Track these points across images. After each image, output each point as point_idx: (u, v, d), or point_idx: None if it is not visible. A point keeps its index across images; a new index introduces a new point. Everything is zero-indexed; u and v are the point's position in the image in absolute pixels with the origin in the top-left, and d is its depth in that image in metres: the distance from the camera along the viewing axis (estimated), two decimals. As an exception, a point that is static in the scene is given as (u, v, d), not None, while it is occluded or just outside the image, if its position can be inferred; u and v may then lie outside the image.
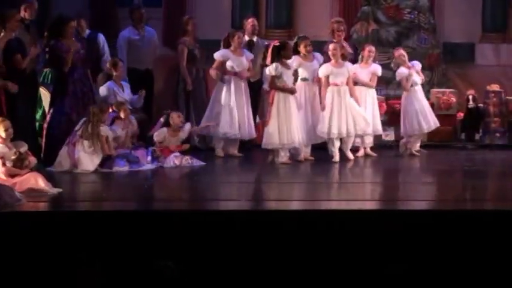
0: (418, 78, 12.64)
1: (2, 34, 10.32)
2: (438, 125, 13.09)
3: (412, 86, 12.58)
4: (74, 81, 10.81)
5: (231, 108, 11.81)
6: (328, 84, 11.41)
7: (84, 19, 12.91)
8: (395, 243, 6.69)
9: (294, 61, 11.52)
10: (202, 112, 12.33)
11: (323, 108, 11.46)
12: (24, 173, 8.44)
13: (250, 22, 13.11)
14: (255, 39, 13.05)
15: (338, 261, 6.54)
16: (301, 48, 11.75)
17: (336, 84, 11.45)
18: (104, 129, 10.10)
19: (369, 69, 12.66)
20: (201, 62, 13.07)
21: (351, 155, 12.11)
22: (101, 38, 13.02)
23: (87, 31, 12.91)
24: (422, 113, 12.62)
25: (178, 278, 5.90)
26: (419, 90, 12.74)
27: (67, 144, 9.99)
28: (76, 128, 10.05)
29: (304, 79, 11.62)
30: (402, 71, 12.61)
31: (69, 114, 10.63)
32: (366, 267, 6.50)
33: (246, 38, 13.00)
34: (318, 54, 12.01)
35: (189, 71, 12.91)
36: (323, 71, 11.51)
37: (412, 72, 12.61)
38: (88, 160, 9.92)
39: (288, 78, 11.24)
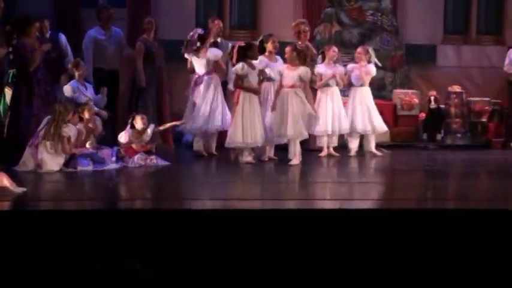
0: (333, 81, 12.59)
1: None
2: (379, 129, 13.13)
3: (328, 85, 12.54)
4: (38, 81, 10.76)
5: (208, 105, 11.79)
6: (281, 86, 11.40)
7: (47, 20, 12.84)
8: (352, 241, 6.70)
9: (260, 61, 11.49)
10: (151, 109, 12.38)
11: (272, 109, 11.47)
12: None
13: (216, 24, 13.08)
14: (219, 40, 13.03)
15: (299, 260, 6.55)
16: (269, 45, 11.83)
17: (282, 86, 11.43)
18: (67, 130, 10.03)
19: (335, 70, 12.65)
20: (159, 60, 13.00)
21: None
22: (63, 38, 12.91)
23: (49, 32, 12.82)
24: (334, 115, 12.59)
25: (147, 278, 5.90)
26: (336, 92, 12.67)
27: (30, 145, 9.93)
28: (39, 129, 9.99)
29: (269, 79, 11.57)
30: (323, 69, 12.62)
31: (37, 114, 10.58)
32: (328, 264, 6.52)
33: (211, 38, 13.00)
34: (278, 57, 12.01)
35: (145, 68, 12.85)
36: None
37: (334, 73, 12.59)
38: (51, 161, 9.86)
39: (253, 79, 11.23)
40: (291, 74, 11.49)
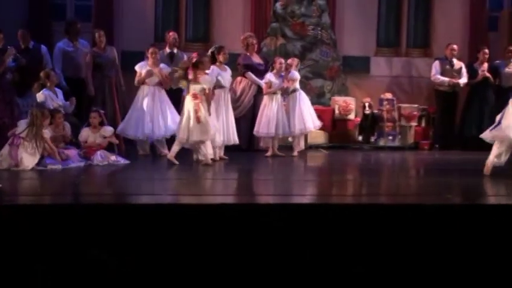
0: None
1: None
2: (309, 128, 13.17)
3: (275, 93, 12.60)
4: (1, 87, 10.76)
5: (146, 113, 11.84)
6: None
7: (25, 31, 12.89)
8: (291, 235, 6.63)
9: (213, 70, 11.50)
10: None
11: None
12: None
13: (171, 35, 13.17)
14: (175, 51, 13.06)
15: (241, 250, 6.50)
16: (220, 56, 11.81)
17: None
18: (46, 132, 10.08)
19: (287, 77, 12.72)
20: (108, 70, 12.91)
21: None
22: (44, 49, 12.95)
23: (32, 42, 12.83)
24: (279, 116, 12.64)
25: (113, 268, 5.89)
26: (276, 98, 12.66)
27: (10, 145, 9.91)
28: (18, 131, 9.98)
29: (221, 86, 11.63)
30: (272, 78, 12.65)
31: (2, 118, 10.57)
32: (270, 255, 6.46)
33: (168, 50, 13.00)
34: (227, 67, 12.08)
35: (94, 77, 12.80)
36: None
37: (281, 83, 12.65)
38: (29, 160, 9.87)
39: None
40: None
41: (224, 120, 11.74)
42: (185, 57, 12.35)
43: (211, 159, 11.35)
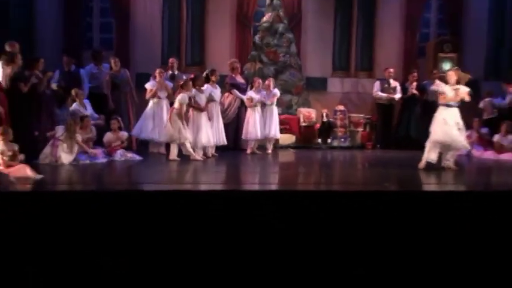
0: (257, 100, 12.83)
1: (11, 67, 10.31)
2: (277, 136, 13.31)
3: (256, 105, 12.72)
4: (44, 101, 10.79)
5: (155, 120, 11.88)
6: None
7: (69, 57, 12.86)
8: (263, 218, 6.55)
9: (207, 88, 11.54)
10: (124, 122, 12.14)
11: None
12: (16, 164, 8.38)
13: (171, 61, 13.12)
14: (176, 72, 13.04)
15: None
16: (213, 77, 11.86)
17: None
18: (78, 135, 10.13)
19: (269, 93, 12.92)
20: (124, 87, 12.82)
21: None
22: (82, 72, 12.88)
23: (73, 66, 12.78)
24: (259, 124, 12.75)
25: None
26: (257, 110, 12.77)
27: (51, 145, 9.92)
28: (57, 135, 10.00)
29: (213, 100, 11.64)
30: (253, 94, 12.78)
31: (44, 126, 10.66)
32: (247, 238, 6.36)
33: (170, 72, 12.98)
34: (217, 85, 12.10)
35: (114, 94, 12.69)
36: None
37: (260, 97, 12.80)
38: (66, 157, 9.89)
39: (200, 100, 11.26)
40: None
41: (216, 126, 11.78)
42: (184, 78, 12.35)
43: (206, 155, 11.41)
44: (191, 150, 10.89)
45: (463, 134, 10.00)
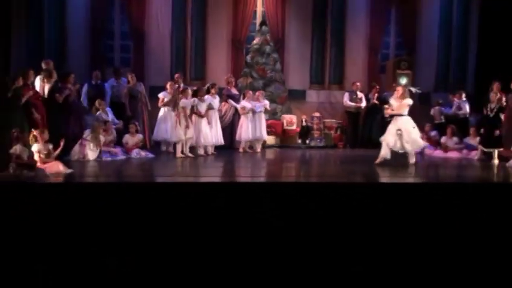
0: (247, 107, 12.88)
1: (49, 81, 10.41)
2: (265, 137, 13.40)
3: (248, 112, 12.77)
4: (75, 109, 10.83)
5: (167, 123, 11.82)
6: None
7: (98, 72, 13.04)
8: (250, 207, 6.55)
9: (207, 99, 11.63)
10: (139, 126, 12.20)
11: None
12: (51, 161, 8.38)
13: (176, 76, 13.05)
14: (181, 85, 13.03)
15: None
16: (213, 90, 11.97)
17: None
18: (101, 137, 10.19)
19: (259, 104, 12.96)
20: (139, 98, 12.77)
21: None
22: (106, 85, 12.92)
23: (99, 81, 12.86)
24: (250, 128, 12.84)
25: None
26: (248, 116, 12.85)
27: (79, 144, 9.99)
28: (84, 136, 10.07)
29: (212, 108, 11.69)
30: (246, 104, 12.86)
31: (73, 128, 10.68)
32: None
33: (176, 85, 12.96)
34: (217, 96, 12.25)
35: (131, 103, 12.64)
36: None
37: (251, 106, 12.85)
38: (91, 154, 9.97)
39: (201, 108, 11.31)
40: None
41: (214, 129, 11.84)
42: (189, 90, 12.39)
43: (207, 154, 11.50)
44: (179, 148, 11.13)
45: (414, 137, 10.07)
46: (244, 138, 12.77)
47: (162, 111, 11.86)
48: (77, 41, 15.19)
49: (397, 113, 10.01)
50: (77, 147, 10.09)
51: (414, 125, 10.14)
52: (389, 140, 10.03)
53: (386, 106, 10.53)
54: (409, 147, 10.02)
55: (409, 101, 10.07)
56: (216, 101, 12.02)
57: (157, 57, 15.64)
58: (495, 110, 11.25)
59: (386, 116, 10.64)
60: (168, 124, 11.64)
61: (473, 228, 6.50)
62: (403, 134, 9.91)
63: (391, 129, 10.06)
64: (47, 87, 10.42)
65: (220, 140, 12.05)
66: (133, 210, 6.25)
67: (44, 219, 6.07)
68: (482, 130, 11.69)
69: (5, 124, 8.57)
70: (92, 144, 10.17)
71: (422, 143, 10.57)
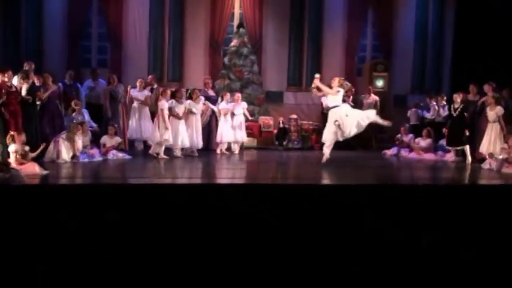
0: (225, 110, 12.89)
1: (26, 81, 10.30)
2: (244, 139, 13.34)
3: (226, 114, 12.77)
4: (49, 109, 10.79)
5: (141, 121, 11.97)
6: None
7: (72, 72, 12.89)
8: (228, 207, 6.53)
9: (189, 103, 11.62)
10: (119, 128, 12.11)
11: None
12: (27, 162, 8.31)
13: (149, 78, 13.07)
14: (155, 86, 12.99)
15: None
16: (194, 95, 11.84)
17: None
18: (77, 138, 10.09)
19: (230, 106, 12.88)
20: (119, 98, 12.60)
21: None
22: (79, 85, 12.91)
23: (72, 80, 12.72)
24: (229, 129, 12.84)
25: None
26: (227, 118, 12.84)
27: (53, 142, 9.94)
28: (61, 136, 10.02)
29: (192, 112, 11.68)
30: (224, 105, 12.85)
31: (46, 129, 10.65)
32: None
33: (149, 86, 12.90)
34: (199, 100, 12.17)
35: (111, 104, 12.53)
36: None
37: (232, 108, 12.86)
38: (65, 153, 9.87)
39: (179, 110, 11.26)
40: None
41: (194, 132, 11.79)
42: (168, 91, 12.38)
43: (188, 154, 11.61)
44: (158, 150, 11.08)
45: (356, 118, 10.12)
46: (225, 140, 12.76)
47: (137, 110, 11.87)
48: (54, 42, 15.11)
49: (334, 105, 10.03)
50: (51, 147, 10.00)
51: (350, 110, 10.34)
52: (327, 139, 10.07)
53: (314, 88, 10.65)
54: (355, 130, 10.06)
55: (341, 90, 10.20)
56: (197, 106, 11.96)
57: (134, 59, 15.60)
58: (459, 110, 11.49)
59: (325, 112, 10.78)
60: (142, 122, 11.70)
61: (444, 227, 6.56)
62: (343, 121, 9.94)
63: (329, 125, 10.07)
64: (24, 88, 10.32)
65: (200, 143, 12.00)
66: (108, 212, 6.19)
67: (18, 221, 6.00)
68: (444, 130, 12.04)
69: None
70: (67, 143, 10.07)
71: (372, 115, 10.51)
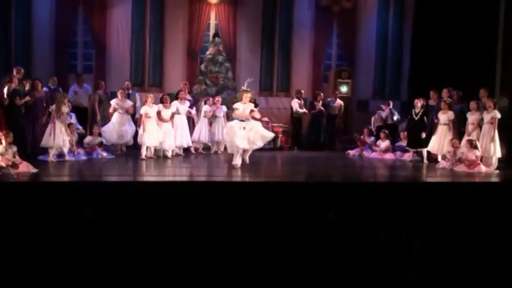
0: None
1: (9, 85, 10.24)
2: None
3: (209, 116, 12.91)
4: (35, 111, 10.78)
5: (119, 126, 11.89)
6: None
7: (55, 78, 12.72)
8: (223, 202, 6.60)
9: (174, 104, 11.76)
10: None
11: None
12: (18, 161, 8.31)
13: (126, 84, 13.07)
14: (130, 92, 12.99)
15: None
16: (179, 96, 12.08)
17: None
18: (65, 108, 10.31)
19: (219, 108, 13.10)
20: (105, 103, 12.61)
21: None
22: (60, 90, 12.70)
23: (55, 86, 12.55)
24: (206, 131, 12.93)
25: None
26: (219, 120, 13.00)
27: (50, 127, 10.05)
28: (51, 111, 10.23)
29: (178, 113, 11.81)
30: (207, 108, 12.95)
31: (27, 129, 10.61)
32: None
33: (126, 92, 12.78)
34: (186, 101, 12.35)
35: (100, 108, 12.62)
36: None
37: (213, 109, 12.98)
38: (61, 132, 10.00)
39: (165, 114, 11.28)
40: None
41: (180, 132, 11.89)
42: (137, 96, 12.81)
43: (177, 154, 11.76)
44: (143, 151, 10.87)
45: (261, 133, 9.90)
46: (201, 140, 12.88)
47: (116, 116, 11.83)
48: (42, 50, 15.03)
49: (244, 116, 9.77)
50: (47, 132, 9.98)
51: (259, 124, 10.09)
52: (239, 143, 9.75)
53: (234, 106, 10.24)
54: (260, 143, 9.88)
55: (252, 106, 9.96)
56: (184, 107, 12.04)
57: (117, 65, 15.56)
58: (419, 114, 11.71)
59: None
60: (123, 128, 11.69)
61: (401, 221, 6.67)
62: (250, 132, 9.72)
63: (238, 133, 9.77)
64: (5, 91, 10.30)
65: (187, 143, 12.08)
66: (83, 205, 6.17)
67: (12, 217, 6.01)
68: (405, 133, 12.28)
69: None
70: (60, 125, 10.08)
71: (271, 134, 10.43)
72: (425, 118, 11.67)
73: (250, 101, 10.01)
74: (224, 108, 13.24)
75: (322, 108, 14.65)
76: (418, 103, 11.83)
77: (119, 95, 12.00)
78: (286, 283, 4.36)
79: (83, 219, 5.62)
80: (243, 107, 9.72)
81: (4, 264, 4.47)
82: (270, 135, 10.17)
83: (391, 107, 14.04)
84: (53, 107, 10.22)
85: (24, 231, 5.70)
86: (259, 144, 9.77)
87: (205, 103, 13.16)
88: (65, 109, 10.30)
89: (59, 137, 9.94)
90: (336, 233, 6.20)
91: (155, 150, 11.20)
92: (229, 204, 6.51)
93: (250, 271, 5.03)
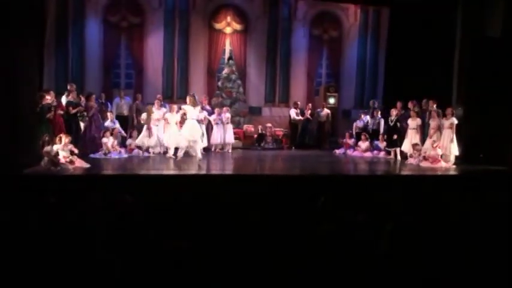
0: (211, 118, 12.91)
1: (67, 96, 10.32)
2: (232, 141, 13.16)
3: (217, 123, 12.72)
4: (94, 120, 10.80)
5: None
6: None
7: (102, 93, 12.89)
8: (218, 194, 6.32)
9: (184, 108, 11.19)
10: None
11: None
12: (73, 158, 8.32)
13: (159, 97, 12.73)
14: (162, 103, 12.66)
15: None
16: (188, 100, 10.75)
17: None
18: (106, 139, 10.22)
19: (222, 115, 12.86)
20: (142, 111, 12.25)
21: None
22: (114, 102, 12.83)
23: (103, 100, 12.65)
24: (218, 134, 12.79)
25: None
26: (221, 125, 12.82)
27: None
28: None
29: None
30: (215, 116, 12.79)
31: (94, 134, 10.69)
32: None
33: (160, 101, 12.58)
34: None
35: (137, 116, 12.38)
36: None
37: (220, 117, 12.79)
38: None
39: (172, 118, 11.12)
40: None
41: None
42: (167, 106, 12.34)
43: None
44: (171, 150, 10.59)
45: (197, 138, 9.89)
46: (214, 143, 12.78)
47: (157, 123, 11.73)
48: (93, 69, 15.03)
49: (191, 117, 9.74)
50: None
51: (198, 128, 10.02)
52: (178, 142, 9.87)
53: (182, 107, 10.13)
54: (196, 146, 9.87)
55: (198, 108, 9.98)
56: (200, 115, 11.07)
57: (152, 82, 15.53)
58: (394, 120, 11.68)
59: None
60: (159, 133, 11.51)
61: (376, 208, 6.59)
62: (191, 135, 9.73)
63: (184, 133, 9.77)
64: (63, 101, 10.37)
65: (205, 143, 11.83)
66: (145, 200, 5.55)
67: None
68: (384, 136, 12.23)
69: (37, 131, 8.49)
70: (108, 139, 10.33)
71: (203, 143, 10.48)
72: (398, 124, 11.66)
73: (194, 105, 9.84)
74: (228, 114, 13.11)
75: (309, 116, 14.60)
76: (394, 112, 11.83)
77: (155, 104, 11.98)
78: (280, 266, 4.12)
79: (123, 203, 5.49)
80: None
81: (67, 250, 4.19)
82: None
83: (379, 116, 13.80)
84: (144, 116, 10.73)
85: (82, 218, 5.54)
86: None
87: (215, 113, 12.89)
88: (110, 141, 10.36)
89: (153, 138, 10.60)
90: (324, 218, 6.09)
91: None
92: (242, 193, 6.32)
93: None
